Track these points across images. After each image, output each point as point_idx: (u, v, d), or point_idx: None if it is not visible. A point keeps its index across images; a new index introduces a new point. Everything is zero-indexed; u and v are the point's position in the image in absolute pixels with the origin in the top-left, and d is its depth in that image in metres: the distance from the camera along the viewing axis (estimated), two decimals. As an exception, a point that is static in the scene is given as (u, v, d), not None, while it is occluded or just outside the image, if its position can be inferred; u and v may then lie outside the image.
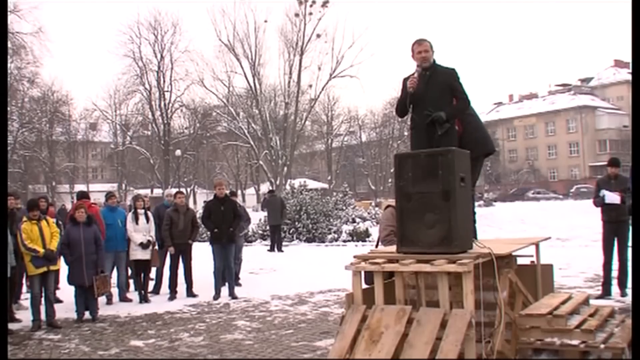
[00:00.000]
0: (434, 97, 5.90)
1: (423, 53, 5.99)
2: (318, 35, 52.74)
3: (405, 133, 73.51)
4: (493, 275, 4.86)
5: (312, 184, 41.72)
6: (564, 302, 5.27)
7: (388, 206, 6.90)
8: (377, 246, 7.00)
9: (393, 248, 5.34)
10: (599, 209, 9.99)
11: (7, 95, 37.31)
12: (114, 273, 11.84)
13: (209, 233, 12.16)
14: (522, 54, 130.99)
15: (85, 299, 9.92)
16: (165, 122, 57.21)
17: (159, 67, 56.05)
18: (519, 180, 77.15)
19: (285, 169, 51.88)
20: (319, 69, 53.03)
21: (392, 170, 73.81)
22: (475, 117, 6.53)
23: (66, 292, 11.16)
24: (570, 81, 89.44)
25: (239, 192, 63.53)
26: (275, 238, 22.17)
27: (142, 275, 11.71)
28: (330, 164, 77.30)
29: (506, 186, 75.34)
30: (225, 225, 11.60)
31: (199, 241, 16.58)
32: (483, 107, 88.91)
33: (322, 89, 54.55)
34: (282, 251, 21.69)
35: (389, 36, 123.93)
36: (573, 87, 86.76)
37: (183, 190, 45.57)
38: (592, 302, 5.85)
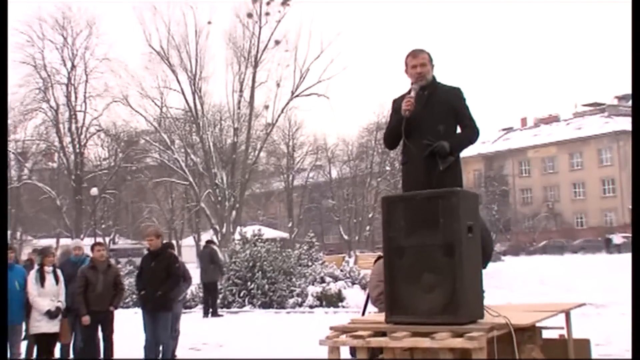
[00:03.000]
0: (434, 123, 5.92)
1: (419, 68, 6.03)
2: (277, 42, 53.46)
3: (387, 168, 75.89)
4: (512, 352, 4.85)
5: (268, 232, 41.63)
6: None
7: (379, 257, 6.85)
8: (364, 312, 7.00)
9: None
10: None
11: (6, 96, 37.03)
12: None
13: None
14: (538, 66, 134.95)
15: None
16: (78, 151, 56.98)
17: (69, 79, 56.25)
18: (535, 228, 78.17)
19: (234, 213, 51.78)
20: (278, 85, 53.86)
21: (370, 216, 76.28)
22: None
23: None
24: (603, 99, 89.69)
25: (174, 242, 63.07)
26: (210, 299, 22.66)
27: (45, 353, 11.50)
28: (292, 207, 77.78)
29: (518, 236, 75.95)
30: (152, 288, 11.45)
31: (126, 307, 16.28)
32: (488, 134, 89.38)
33: (282, 111, 55.45)
34: (219, 315, 21.99)
35: (368, 44, 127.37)
36: (607, 107, 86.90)
37: (100, 239, 45.03)
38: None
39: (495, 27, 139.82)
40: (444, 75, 6.27)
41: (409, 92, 6.03)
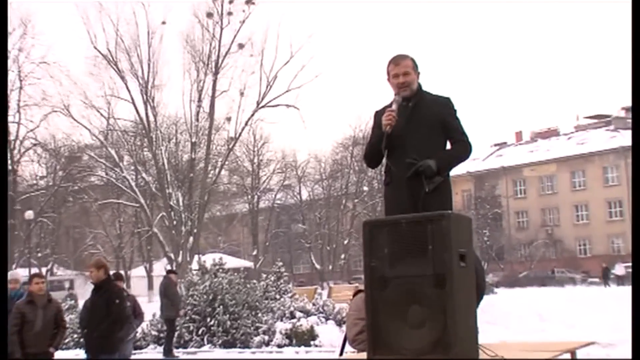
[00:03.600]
0: (419, 139, 5.95)
1: (402, 77, 6.06)
2: (240, 46, 53.66)
3: (365, 188, 76.36)
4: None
5: (230, 261, 41.39)
6: None
7: (359, 291, 6.81)
8: (341, 352, 7.02)
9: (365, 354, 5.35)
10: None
11: (6, 96, 39.96)
12: None
13: None
14: (535, 73, 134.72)
15: None
16: (10, 168, 55.55)
17: None
18: (532, 257, 78.20)
19: (191, 239, 51.61)
20: (242, 94, 53.93)
21: (346, 242, 75.94)
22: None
23: None
24: (608, 111, 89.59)
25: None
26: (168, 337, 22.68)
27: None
28: (257, 232, 77.50)
29: (513, 265, 76.08)
30: (92, 327, 11.42)
31: (67, 348, 16.15)
32: (478, 150, 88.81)
33: (246, 124, 55.33)
34: (174, 356, 22.07)
35: (344, 48, 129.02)
36: (613, 119, 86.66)
37: (36, 270, 44.55)
38: None
39: (486, 30, 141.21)
40: (430, 83, 6.33)
41: (391, 104, 6.06)
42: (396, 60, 6.13)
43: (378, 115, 6.15)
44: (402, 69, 6.06)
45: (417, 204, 5.72)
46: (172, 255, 51.17)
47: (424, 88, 6.21)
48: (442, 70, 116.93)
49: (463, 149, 6.10)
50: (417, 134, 5.96)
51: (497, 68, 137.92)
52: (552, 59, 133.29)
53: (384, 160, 6.08)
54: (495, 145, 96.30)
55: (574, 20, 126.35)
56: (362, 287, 6.33)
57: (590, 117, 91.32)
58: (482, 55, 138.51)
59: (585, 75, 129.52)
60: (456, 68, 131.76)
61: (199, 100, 53.49)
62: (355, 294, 6.98)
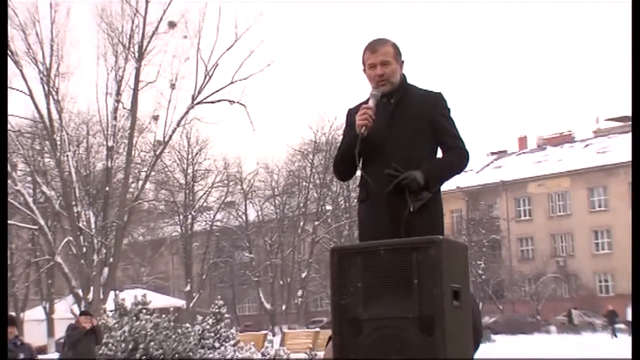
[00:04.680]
0: (402, 144, 5.94)
1: (379, 68, 6.07)
2: (172, 25, 52.88)
3: (329, 207, 76.75)
4: None
5: (157, 299, 41.30)
6: None
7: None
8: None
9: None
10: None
11: (6, 96, 38.67)
12: None
13: None
14: (543, 67, 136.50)
15: None
16: None
17: None
18: (539, 295, 78.36)
19: (106, 271, 50.94)
20: (172, 86, 53.03)
21: (304, 275, 76.07)
22: None
23: None
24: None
25: (14, 315, 61.90)
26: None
27: None
28: (191, 262, 77.17)
29: (515, 305, 76.70)
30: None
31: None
32: (472, 160, 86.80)
33: (178, 124, 54.55)
34: None
35: (305, 30, 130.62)
36: None
37: None
38: None
39: (482, 20, 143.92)
40: (418, 79, 6.34)
41: (368, 100, 6.03)
42: (373, 47, 6.13)
43: (352, 114, 6.12)
44: (380, 58, 6.06)
45: (399, 227, 5.66)
46: (80, 292, 50.49)
47: (410, 81, 6.17)
48: (430, 62, 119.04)
49: (458, 158, 6.11)
50: (400, 139, 5.94)
51: (498, 61, 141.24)
52: (565, 52, 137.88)
53: (358, 172, 6.05)
54: (493, 153, 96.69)
55: (594, 9, 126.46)
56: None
57: (613, 120, 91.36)
58: (480, 48, 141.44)
59: (607, 69, 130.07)
60: (447, 61, 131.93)
61: (118, 93, 52.32)
62: (330, 340, 6.98)
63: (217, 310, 30.42)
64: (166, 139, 54.82)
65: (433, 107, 6.07)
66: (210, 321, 29.54)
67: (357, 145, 5.84)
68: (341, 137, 6.50)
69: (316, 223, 75.91)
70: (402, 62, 6.17)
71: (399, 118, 5.99)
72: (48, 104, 51.48)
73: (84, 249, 50.58)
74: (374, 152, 5.92)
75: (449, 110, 6.13)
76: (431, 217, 5.89)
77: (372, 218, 5.99)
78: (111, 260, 51.45)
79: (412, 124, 5.99)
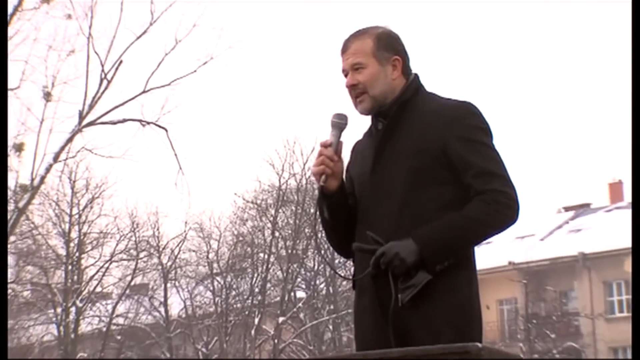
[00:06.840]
0: (393, 197, 4.45)
1: (350, 75, 4.58)
2: (69, 17, 45.70)
3: (301, 294, 66.20)
4: None
5: None
6: None
7: None
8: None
9: None
10: None
11: (6, 96, 38.61)
12: None
13: None
14: (574, 119, 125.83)
15: None
16: None
17: None
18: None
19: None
20: (48, 96, 45.54)
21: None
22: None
23: None
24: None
25: None
26: None
27: None
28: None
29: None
30: None
31: None
32: (532, 218, 76.07)
33: (56, 159, 45.68)
34: None
35: (256, 15, 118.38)
36: None
37: None
38: None
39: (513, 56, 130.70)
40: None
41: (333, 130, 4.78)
42: (343, 45, 4.73)
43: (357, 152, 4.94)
44: (349, 60, 4.58)
45: (385, 330, 4.39)
46: None
47: (421, 85, 4.67)
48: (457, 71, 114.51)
49: (486, 210, 4.33)
50: (391, 188, 4.47)
51: (522, 107, 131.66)
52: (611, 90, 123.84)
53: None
54: (568, 209, 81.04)
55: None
56: None
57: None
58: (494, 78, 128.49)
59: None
60: (502, 79, 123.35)
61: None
62: None
63: None
64: (36, 183, 46.82)
65: (447, 127, 4.36)
66: None
67: (322, 204, 4.64)
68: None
69: (280, 320, 59.40)
70: (398, 59, 4.51)
71: (390, 153, 4.48)
72: None
73: None
74: (359, 212, 4.62)
75: (481, 130, 4.40)
76: (445, 310, 4.26)
77: (360, 314, 4.70)
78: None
79: (411, 161, 4.42)
